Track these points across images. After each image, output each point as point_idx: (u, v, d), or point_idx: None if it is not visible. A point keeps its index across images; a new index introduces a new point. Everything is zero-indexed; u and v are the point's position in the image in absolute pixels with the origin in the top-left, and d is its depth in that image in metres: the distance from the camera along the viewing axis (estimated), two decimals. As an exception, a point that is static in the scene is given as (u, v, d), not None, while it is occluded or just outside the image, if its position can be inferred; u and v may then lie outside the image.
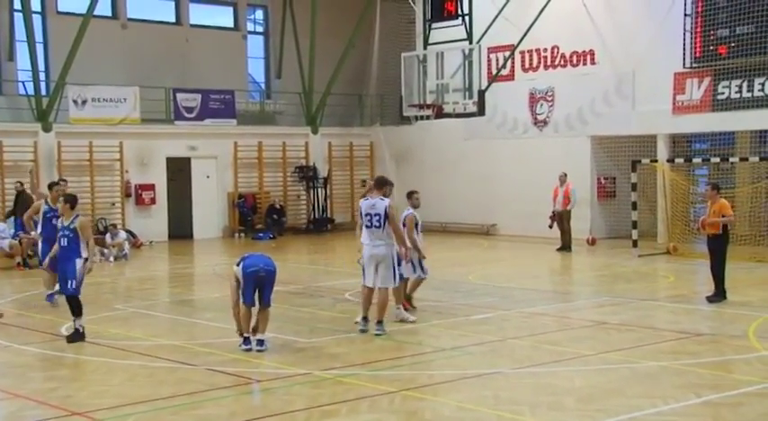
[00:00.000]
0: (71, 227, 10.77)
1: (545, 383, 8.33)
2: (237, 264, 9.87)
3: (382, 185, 10.85)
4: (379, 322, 10.69)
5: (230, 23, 27.74)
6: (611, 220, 22.73)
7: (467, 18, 21.47)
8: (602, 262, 18.61)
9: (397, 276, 10.92)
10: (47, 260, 12.08)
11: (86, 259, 10.74)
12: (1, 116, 22.31)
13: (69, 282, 10.66)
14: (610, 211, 22.84)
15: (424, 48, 22.54)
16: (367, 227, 10.72)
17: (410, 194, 12.17)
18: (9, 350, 10.27)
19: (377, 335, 10.58)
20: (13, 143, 21.71)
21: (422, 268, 11.93)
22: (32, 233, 14.74)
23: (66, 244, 10.76)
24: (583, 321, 11.68)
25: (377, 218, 10.62)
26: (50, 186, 14.05)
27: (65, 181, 17.60)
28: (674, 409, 7.40)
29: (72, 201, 11.01)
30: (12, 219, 19.18)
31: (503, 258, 19.95)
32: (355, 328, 10.94)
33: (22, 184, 19.47)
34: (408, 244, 11.25)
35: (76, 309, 10.63)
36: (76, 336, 10.50)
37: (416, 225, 11.90)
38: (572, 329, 11.21)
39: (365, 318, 10.85)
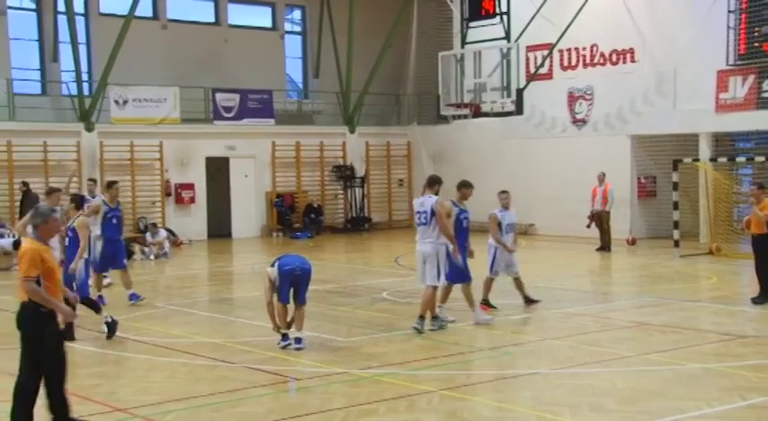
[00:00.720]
0: (72, 226, 10.78)
1: (585, 384, 8.24)
2: (272, 265, 9.93)
3: (433, 184, 10.92)
4: (421, 317, 10.68)
5: (268, 23, 27.90)
6: (652, 220, 22.45)
7: (505, 17, 21.33)
8: (642, 262, 18.38)
9: (443, 275, 10.83)
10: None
11: (86, 259, 10.74)
12: (45, 116, 22.67)
13: (74, 285, 10.64)
14: (650, 211, 22.56)
15: (462, 47, 22.45)
16: (417, 224, 10.86)
17: (498, 194, 12.44)
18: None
19: (413, 327, 10.58)
20: (56, 143, 22.05)
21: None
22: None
23: (68, 244, 10.76)
24: (623, 322, 11.54)
25: (424, 215, 10.71)
26: (108, 186, 13.76)
27: (93, 180, 17.69)
28: (718, 412, 7.27)
29: (78, 200, 11.07)
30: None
31: (541, 258, 19.78)
32: (392, 327, 10.91)
33: (26, 185, 19.63)
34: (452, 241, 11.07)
35: (93, 308, 10.74)
36: (111, 330, 10.59)
37: (500, 225, 12.18)
38: (612, 330, 11.07)
39: (435, 317, 10.86)
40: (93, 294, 13.23)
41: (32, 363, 6.61)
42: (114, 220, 13.22)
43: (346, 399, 7.81)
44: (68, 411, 6.80)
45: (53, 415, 6.76)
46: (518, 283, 12.58)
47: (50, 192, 12.92)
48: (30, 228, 7.00)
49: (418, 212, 10.81)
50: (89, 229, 11.00)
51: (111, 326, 10.64)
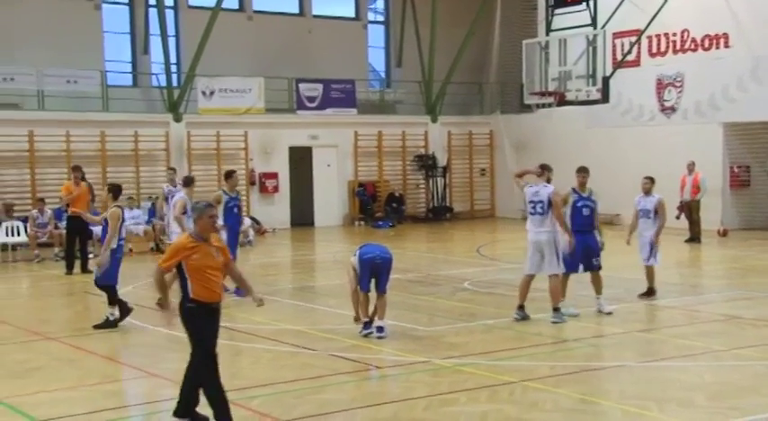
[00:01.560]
0: (105, 217, 10.84)
1: (673, 378, 8.03)
2: (354, 254, 9.98)
3: (546, 171, 10.79)
4: (556, 310, 10.58)
5: (351, 13, 28.02)
6: (745, 211, 21.73)
7: (591, 3, 20.94)
8: (734, 254, 17.81)
9: (562, 263, 10.72)
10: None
11: (114, 249, 10.66)
12: (136, 107, 23.32)
13: (96, 270, 10.82)
14: (743, 201, 21.83)
15: (547, 34, 22.16)
16: (531, 213, 10.70)
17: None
18: (145, 331, 10.73)
19: (553, 322, 10.47)
20: (146, 133, 22.66)
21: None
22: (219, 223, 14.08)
23: (101, 233, 10.85)
24: (713, 315, 11.20)
25: (540, 205, 10.58)
26: (228, 175, 13.59)
27: (173, 169, 17.95)
28: (815, 410, 7.00)
29: (115, 190, 11.01)
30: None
31: (627, 249, 19.32)
32: (474, 317, 10.85)
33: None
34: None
35: (108, 298, 10.77)
36: (105, 324, 10.67)
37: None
38: (702, 323, 10.76)
39: (521, 307, 10.72)
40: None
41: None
42: (235, 210, 13.13)
43: (427, 388, 7.81)
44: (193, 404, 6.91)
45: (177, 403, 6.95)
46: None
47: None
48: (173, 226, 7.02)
49: (532, 202, 10.63)
50: (121, 220, 10.80)
51: (109, 323, 10.67)
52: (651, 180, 12.57)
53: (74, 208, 16.16)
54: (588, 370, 8.55)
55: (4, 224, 18.90)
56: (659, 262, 12.32)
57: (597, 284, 11.24)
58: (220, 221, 12.66)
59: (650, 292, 12.31)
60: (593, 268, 11.22)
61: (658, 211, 12.27)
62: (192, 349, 6.83)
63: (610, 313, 11.02)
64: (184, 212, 12.74)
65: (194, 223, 6.81)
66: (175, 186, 16.43)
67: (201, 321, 6.73)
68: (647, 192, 12.47)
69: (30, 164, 21.05)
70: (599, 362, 8.85)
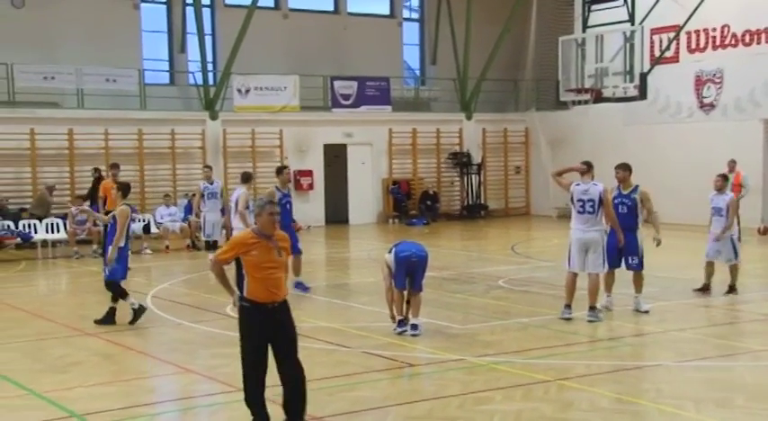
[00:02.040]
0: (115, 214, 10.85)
1: (711, 378, 7.93)
2: (389, 251, 9.98)
3: (590, 169, 10.66)
4: (592, 308, 10.51)
5: (386, 11, 28.02)
6: (786, 209, 21.36)
7: (629, -1, 20.72)
8: (774, 253, 17.53)
9: (606, 262, 10.64)
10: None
11: (121, 247, 10.67)
12: (173, 105, 23.54)
13: (104, 268, 10.88)
14: (784, 200, 21.47)
15: (583, 31, 21.96)
16: (579, 212, 10.51)
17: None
18: (180, 327, 10.84)
19: (589, 321, 10.40)
20: (183, 131, 22.87)
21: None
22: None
23: (108, 230, 10.86)
24: (754, 315, 11.03)
25: (590, 204, 10.42)
26: (279, 171, 13.48)
27: (209, 167, 18.05)
28: None
29: (125, 188, 10.98)
30: (88, 203, 18.79)
31: (664, 247, 19.05)
32: (509, 315, 10.78)
33: (98, 171, 20.09)
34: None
35: (113, 294, 10.78)
36: (136, 314, 10.71)
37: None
38: (741, 323, 10.62)
39: (568, 306, 10.64)
40: (291, 279, 13.04)
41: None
42: (288, 206, 13.08)
43: (462, 386, 7.79)
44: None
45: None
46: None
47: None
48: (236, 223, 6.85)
49: (581, 200, 10.47)
50: (129, 218, 10.78)
51: (109, 318, 10.75)
52: (724, 177, 12.54)
53: (110, 205, 16.37)
54: (625, 369, 8.46)
55: (44, 221, 19.25)
56: (739, 259, 12.32)
57: (636, 283, 11.11)
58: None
59: (706, 289, 12.31)
60: (629, 267, 11.08)
61: (729, 209, 12.09)
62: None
63: (647, 312, 10.90)
64: (247, 207, 12.88)
65: (255, 219, 6.67)
66: (212, 183, 16.56)
67: (252, 323, 6.44)
68: (720, 190, 12.33)
69: (69, 161, 21.35)
70: (636, 362, 8.76)
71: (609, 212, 10.50)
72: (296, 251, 12.87)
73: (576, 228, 10.55)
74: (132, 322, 10.75)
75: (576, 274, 10.63)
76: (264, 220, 6.50)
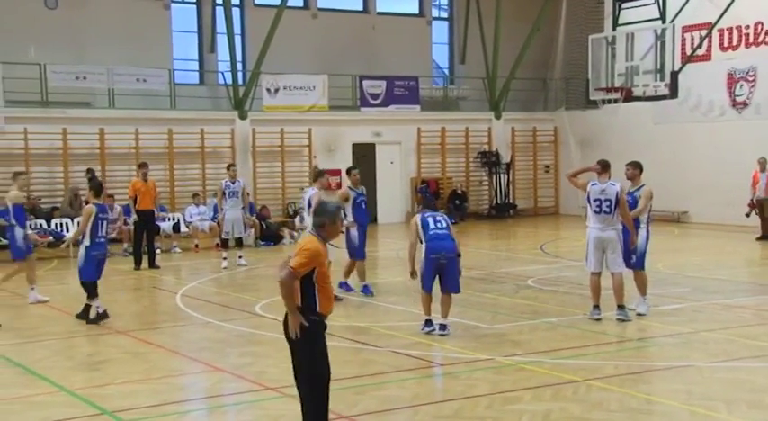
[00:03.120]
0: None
1: (743, 379, 7.83)
2: (416, 215, 9.97)
3: (606, 168, 10.56)
4: (620, 307, 10.43)
5: (415, 10, 28.00)
6: (819, 209, 21.00)
7: (659, -4, 20.55)
8: (807, 253, 17.28)
9: (621, 261, 10.50)
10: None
11: (88, 246, 10.83)
12: (202, 105, 23.71)
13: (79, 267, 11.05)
14: (817, 199, 21.11)
15: (613, 29, 21.83)
16: (596, 212, 10.43)
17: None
18: (209, 326, 10.91)
19: (618, 320, 10.33)
20: (212, 130, 23.02)
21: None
22: (349, 220, 12.76)
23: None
24: (786, 316, 10.88)
25: (607, 203, 10.34)
26: (348, 171, 13.29)
27: (233, 166, 17.87)
28: None
29: (96, 188, 11.16)
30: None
31: (695, 247, 18.94)
32: (537, 315, 10.73)
33: (91, 172, 19.92)
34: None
35: (88, 293, 10.98)
36: (97, 316, 10.88)
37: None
38: (773, 324, 10.47)
39: (596, 307, 10.56)
40: (358, 284, 12.88)
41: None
42: (363, 205, 12.95)
43: (490, 386, 7.77)
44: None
45: None
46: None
47: (319, 174, 12.92)
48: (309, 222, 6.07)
49: (598, 200, 10.37)
50: (93, 218, 10.83)
51: (97, 315, 10.88)
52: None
53: (141, 204, 16.54)
54: (654, 369, 8.39)
55: (75, 220, 19.45)
56: None
57: (637, 283, 10.92)
58: (350, 218, 12.58)
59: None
60: (628, 266, 10.82)
61: None
62: (313, 377, 5.95)
63: (641, 314, 10.70)
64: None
65: (321, 226, 5.94)
66: (233, 182, 16.52)
67: (323, 339, 5.95)
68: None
69: (100, 161, 21.57)
70: (665, 362, 8.68)
71: (624, 212, 10.38)
72: (360, 255, 12.74)
73: (592, 226, 10.50)
74: (91, 322, 10.88)
75: (598, 275, 10.54)
76: (336, 230, 5.99)
